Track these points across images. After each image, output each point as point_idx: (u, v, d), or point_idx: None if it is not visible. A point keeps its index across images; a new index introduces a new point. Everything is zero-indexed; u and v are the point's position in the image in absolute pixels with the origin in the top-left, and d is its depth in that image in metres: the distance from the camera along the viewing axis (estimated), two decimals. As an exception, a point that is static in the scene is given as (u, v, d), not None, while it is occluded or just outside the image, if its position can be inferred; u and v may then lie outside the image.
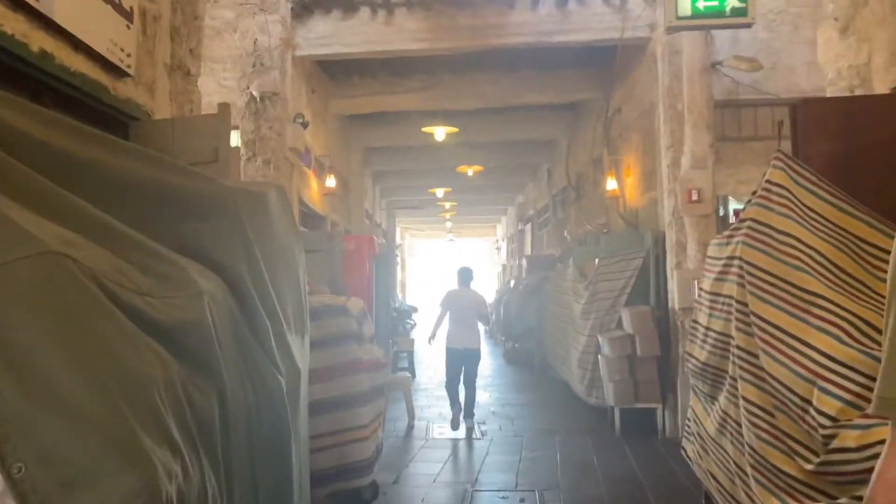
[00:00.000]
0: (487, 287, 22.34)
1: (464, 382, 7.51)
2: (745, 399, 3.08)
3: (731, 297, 3.30)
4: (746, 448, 3.07)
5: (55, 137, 1.69)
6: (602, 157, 9.20)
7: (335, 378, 4.09)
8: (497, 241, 29.74)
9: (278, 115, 6.63)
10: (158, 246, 1.64)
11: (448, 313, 7.68)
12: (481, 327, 8.18)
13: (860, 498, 1.76)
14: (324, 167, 9.42)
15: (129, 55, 3.30)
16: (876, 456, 1.24)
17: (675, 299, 6.50)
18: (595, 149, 9.58)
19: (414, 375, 10.63)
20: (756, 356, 3.01)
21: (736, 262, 3.27)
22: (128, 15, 3.26)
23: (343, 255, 7.93)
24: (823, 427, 2.48)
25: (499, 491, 5.16)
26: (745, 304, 3.12)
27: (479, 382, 7.87)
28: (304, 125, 7.30)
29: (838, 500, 2.36)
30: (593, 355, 7.31)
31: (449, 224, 26.76)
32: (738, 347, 3.16)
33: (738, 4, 4.77)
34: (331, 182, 9.47)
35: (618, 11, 6.84)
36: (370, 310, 6.38)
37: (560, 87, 9.58)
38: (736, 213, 6.82)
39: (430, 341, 7.95)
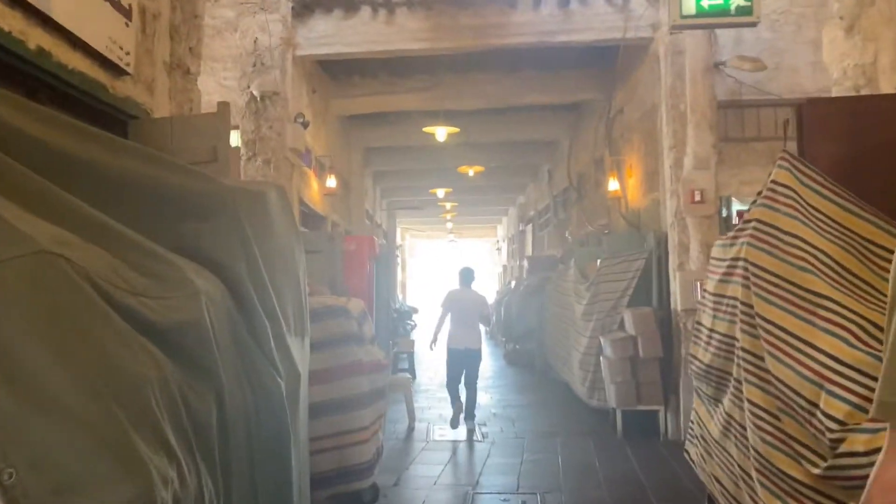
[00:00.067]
0: (488, 288, 22.28)
1: (465, 383, 7.48)
2: (749, 402, 3.04)
3: (735, 298, 3.26)
4: (751, 451, 3.03)
5: (52, 135, 1.66)
6: (604, 157, 9.18)
7: (335, 380, 4.06)
8: (498, 241, 29.71)
9: (279, 114, 6.60)
10: (155, 245, 1.61)
11: (449, 314, 7.65)
12: (482, 328, 8.15)
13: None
14: (324, 167, 9.39)
15: (127, 53, 3.27)
16: None
17: (677, 301, 6.47)
18: (597, 149, 9.55)
19: (414, 377, 10.59)
20: (761, 358, 2.97)
21: (741, 263, 3.23)
22: (126, 13, 3.23)
23: (343, 255, 7.90)
24: (831, 431, 2.45)
25: (500, 493, 5.12)
26: (751, 306, 3.08)
27: (480, 384, 7.84)
28: (305, 125, 7.27)
29: (845, 505, 2.32)
30: (595, 357, 7.27)
31: (450, 225, 26.73)
32: (743, 350, 3.12)
33: (743, 3, 4.73)
34: (331, 182, 9.44)
35: (620, 11, 6.81)
36: (370, 311, 6.35)
37: (562, 87, 9.55)
38: (739, 213, 6.78)
39: (431, 346, 7.90)
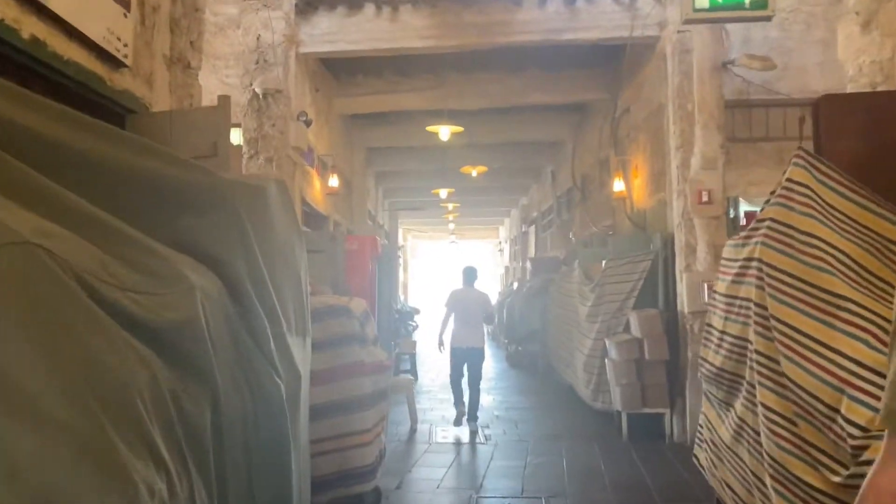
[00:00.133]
0: (490, 289, 22.21)
1: (468, 383, 7.48)
2: (764, 406, 2.95)
3: (748, 299, 3.16)
4: (766, 457, 2.94)
5: (40, 122, 1.57)
6: (609, 158, 9.08)
7: (337, 381, 3.97)
8: (500, 243, 29.64)
9: (281, 112, 6.51)
10: (148, 239, 1.52)
11: (453, 313, 7.65)
12: (485, 326, 8.14)
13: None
14: (327, 166, 9.31)
15: (125, 45, 3.18)
16: None
17: (684, 302, 6.37)
18: (602, 150, 9.46)
19: (416, 378, 10.50)
20: (776, 361, 2.88)
21: (754, 263, 3.13)
22: (125, 3, 3.14)
23: (345, 255, 7.82)
24: (853, 437, 2.36)
25: (504, 498, 5.03)
26: (765, 308, 2.99)
27: (482, 385, 7.78)
28: (308, 123, 7.18)
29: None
30: (599, 359, 7.18)
31: (452, 226, 26.66)
32: (757, 352, 3.03)
33: (758, -4, 4.61)
34: (334, 182, 9.35)
35: (627, 9, 6.72)
36: (372, 311, 6.26)
37: (566, 87, 9.46)
38: (748, 214, 6.69)
39: (440, 348, 7.87)
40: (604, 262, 7.53)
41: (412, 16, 6.84)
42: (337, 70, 9.38)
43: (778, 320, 2.82)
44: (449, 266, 28.32)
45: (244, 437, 1.65)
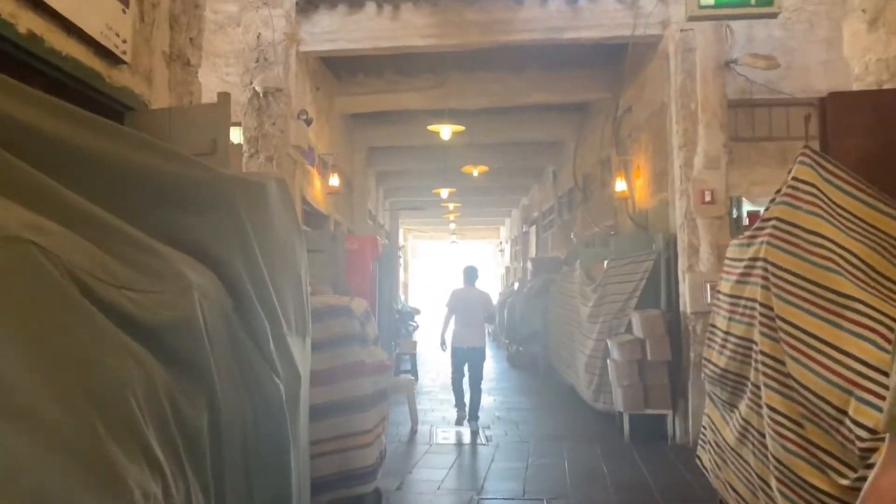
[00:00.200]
0: (491, 289, 22.15)
1: (469, 384, 7.49)
2: (769, 408, 2.91)
3: (754, 300, 3.13)
4: (771, 460, 2.90)
5: (36, 118, 1.53)
6: (611, 157, 9.05)
7: (337, 381, 3.93)
8: (500, 243, 29.60)
9: (282, 111, 6.48)
10: (144, 236, 1.48)
11: (454, 313, 7.66)
12: (486, 326, 8.16)
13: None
14: (327, 166, 9.27)
15: (124, 41, 3.15)
16: None
17: (686, 303, 6.34)
18: (603, 149, 9.42)
19: (417, 378, 10.47)
20: (782, 363, 2.84)
21: (759, 263, 3.10)
22: (124, -1, 3.11)
23: (346, 255, 7.79)
24: (861, 440, 2.32)
25: (506, 499, 4.99)
26: (770, 308, 2.95)
27: (483, 386, 7.77)
28: (308, 122, 7.15)
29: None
30: (601, 359, 7.14)
31: (452, 226, 26.62)
32: (763, 353, 2.99)
33: (764, -7, 4.56)
34: (334, 181, 9.32)
35: (629, 8, 6.69)
36: (373, 311, 6.22)
37: (568, 86, 9.43)
38: (750, 214, 6.65)
39: (442, 347, 7.89)
40: (606, 262, 7.50)
41: (413, 14, 6.81)
42: (338, 69, 9.34)
43: (784, 321, 2.79)
44: (449, 266, 28.28)
45: (242, 438, 1.61)
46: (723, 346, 3.45)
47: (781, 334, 2.83)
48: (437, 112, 10.32)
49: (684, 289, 6.39)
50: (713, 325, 3.68)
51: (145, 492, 1.04)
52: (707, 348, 3.71)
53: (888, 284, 2.66)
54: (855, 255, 2.73)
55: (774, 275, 2.94)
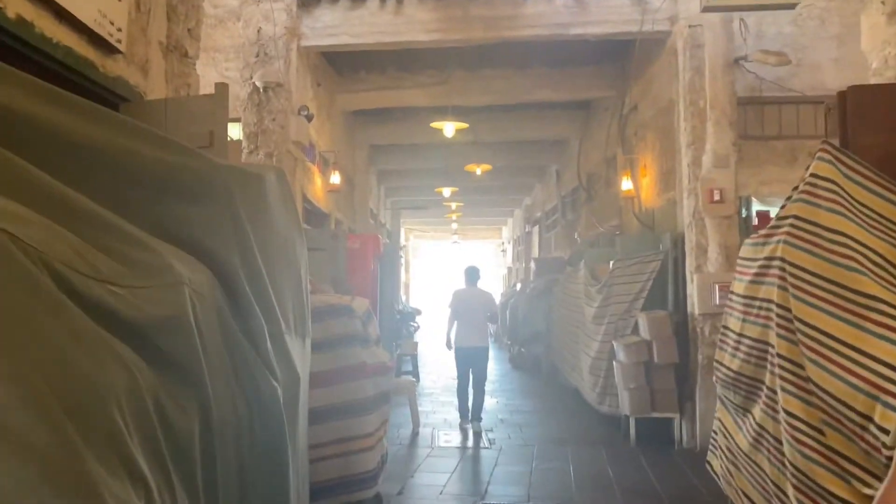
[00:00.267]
0: (492, 290, 22.04)
1: (472, 384, 7.47)
2: (787, 413, 2.80)
3: (770, 301, 3.01)
4: (788, 467, 2.79)
5: (14, 98, 1.42)
6: (616, 156, 8.94)
7: (338, 383, 3.82)
8: (503, 243, 29.50)
9: (282, 106, 6.37)
10: (132, 227, 1.37)
11: (457, 313, 7.64)
12: (489, 327, 8.11)
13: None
14: (328, 163, 9.16)
15: (119, 30, 3.04)
16: None
17: (694, 304, 6.22)
18: (609, 148, 9.31)
19: (418, 379, 10.35)
20: (801, 366, 2.73)
21: (776, 262, 2.98)
22: (119, -15, 3.00)
23: (347, 254, 7.68)
24: (887, 447, 2.21)
25: (510, 505, 4.89)
26: (788, 309, 2.83)
27: (486, 387, 7.69)
28: (309, 118, 7.03)
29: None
30: (606, 361, 7.03)
31: (455, 225, 26.52)
32: (780, 356, 2.87)
33: (782, -15, 4.42)
34: (335, 179, 9.20)
35: (637, 4, 6.57)
36: (374, 311, 6.11)
37: (573, 83, 9.33)
38: (759, 214, 6.54)
39: (448, 347, 7.85)
40: (611, 262, 7.38)
41: (417, 9, 6.70)
42: (339, 65, 9.24)
43: (802, 322, 2.68)
44: (451, 266, 28.18)
45: (237, 445, 1.50)
46: (736, 349, 3.34)
47: (800, 336, 2.73)
48: (440, 109, 10.22)
49: (692, 290, 6.27)
50: (725, 327, 3.57)
51: (124, 510, 0.92)
52: (719, 351, 3.60)
53: (914, 285, 2.55)
54: (878, 254, 2.62)
55: (792, 274, 2.83)
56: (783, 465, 2.80)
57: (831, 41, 6.55)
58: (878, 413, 2.25)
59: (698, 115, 6.27)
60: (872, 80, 3.74)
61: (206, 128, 3.04)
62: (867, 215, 2.78)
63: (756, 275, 3.16)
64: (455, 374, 7.79)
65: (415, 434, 7.08)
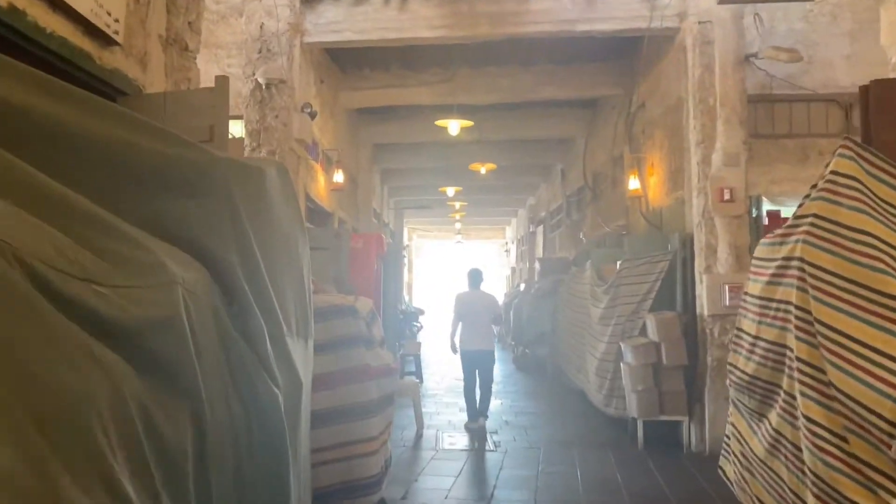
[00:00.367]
0: (496, 291, 21.95)
1: (479, 385, 7.47)
2: (807, 419, 2.69)
3: (788, 302, 2.90)
4: (808, 475, 2.69)
5: (3, 85, 1.32)
6: (623, 155, 8.82)
7: (342, 385, 3.72)
8: (506, 243, 29.40)
9: (285, 103, 6.28)
10: (121, 221, 1.27)
11: (461, 317, 7.60)
12: (494, 327, 8.08)
13: None
14: (331, 161, 9.05)
15: (116, 21, 2.94)
16: None
17: (703, 305, 6.11)
18: (615, 147, 9.20)
19: (421, 380, 10.25)
20: (822, 370, 2.63)
21: (795, 263, 2.88)
22: (116, -26, 2.90)
23: (350, 253, 7.58)
24: (918, 457, 2.10)
25: (516, 509, 4.78)
26: (808, 311, 2.73)
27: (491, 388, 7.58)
28: (312, 115, 6.94)
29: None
30: (613, 363, 6.92)
31: (458, 225, 26.43)
32: (799, 360, 2.77)
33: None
34: (339, 177, 9.10)
35: (645, 0, 6.46)
36: (378, 311, 6.00)
37: (579, 81, 9.22)
38: (770, 214, 6.43)
39: (453, 351, 7.81)
40: (618, 262, 7.27)
41: (421, 5, 6.59)
42: (343, 62, 9.14)
43: (824, 325, 2.57)
44: (454, 266, 28.08)
45: (234, 457, 1.40)
46: (751, 352, 3.24)
47: (821, 339, 2.62)
48: (444, 108, 10.11)
49: (701, 290, 6.16)
50: (739, 329, 3.46)
51: (103, 538, 0.82)
52: (733, 353, 3.50)
53: (943, 286, 2.44)
54: (904, 254, 2.52)
55: (812, 275, 2.72)
56: (802, 472, 2.70)
57: (843, 38, 6.43)
58: (907, 420, 2.15)
59: (708, 112, 6.16)
60: (893, 75, 3.63)
61: (207, 122, 2.94)
62: (891, 213, 2.68)
63: (773, 275, 3.05)
64: (460, 375, 7.70)
65: (419, 436, 6.98)
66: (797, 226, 2.94)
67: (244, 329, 1.57)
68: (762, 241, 3.41)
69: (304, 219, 2.85)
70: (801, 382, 2.67)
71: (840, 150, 2.89)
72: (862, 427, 2.35)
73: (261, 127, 6.19)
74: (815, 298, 2.63)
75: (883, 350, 2.34)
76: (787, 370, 2.84)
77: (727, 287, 5.92)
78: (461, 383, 7.66)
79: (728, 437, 3.65)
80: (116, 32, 2.95)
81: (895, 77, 3.47)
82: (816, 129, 6.51)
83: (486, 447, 6.60)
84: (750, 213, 6.16)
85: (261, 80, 6.17)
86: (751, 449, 3.29)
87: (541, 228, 17.67)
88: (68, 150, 1.33)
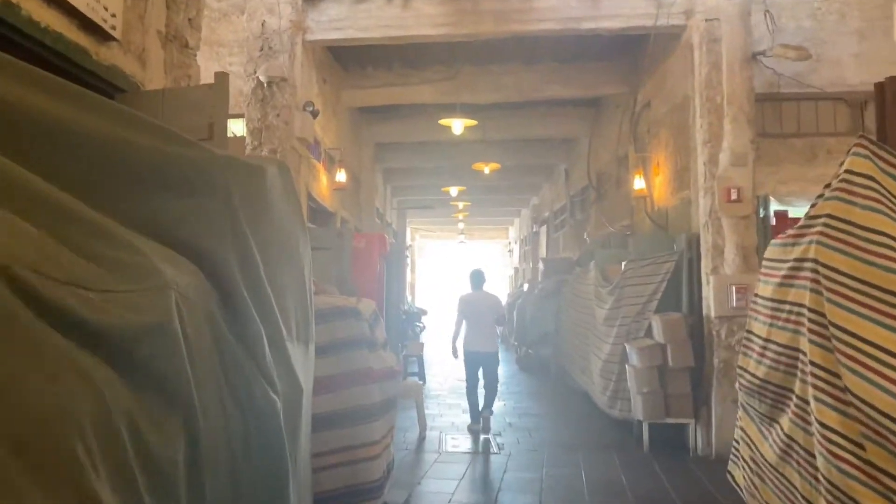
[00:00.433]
0: (499, 291, 21.89)
1: (484, 387, 7.42)
2: (821, 424, 2.62)
3: (801, 304, 2.84)
4: (822, 482, 2.62)
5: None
6: (628, 154, 8.75)
7: (344, 388, 3.65)
8: (509, 243, 29.33)
9: (286, 102, 6.21)
10: (111, 222, 1.20)
11: (464, 319, 7.54)
12: (498, 328, 8.03)
13: None
14: (334, 161, 8.99)
15: (113, 16, 2.88)
16: None
17: (710, 307, 6.03)
18: (620, 146, 9.12)
19: (424, 381, 10.18)
20: (837, 375, 2.56)
21: (808, 264, 2.81)
22: (113, -31, 2.84)
23: (352, 253, 7.52)
24: (939, 466, 2.03)
25: (521, 513, 4.71)
26: (822, 314, 2.66)
27: (494, 389, 7.53)
28: (314, 114, 6.87)
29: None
30: (618, 364, 6.84)
31: (461, 225, 26.37)
32: (813, 364, 2.71)
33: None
34: (341, 176, 9.04)
35: (652, -3, 6.39)
36: (380, 312, 5.94)
37: (583, 80, 9.15)
38: (777, 214, 6.34)
39: (455, 355, 7.77)
40: (623, 263, 7.20)
41: (425, 2, 6.52)
42: (345, 61, 9.08)
43: (838, 328, 2.51)
44: (457, 266, 28.03)
45: (230, 470, 1.33)
46: (762, 355, 3.17)
47: (835, 343, 2.56)
48: (447, 107, 10.05)
49: (708, 291, 6.08)
50: (749, 332, 3.39)
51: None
52: (743, 356, 3.43)
53: (962, 287, 2.37)
54: (923, 256, 2.45)
55: (827, 277, 2.66)
56: (816, 479, 2.63)
57: (852, 36, 6.35)
58: (928, 428, 2.08)
59: (715, 111, 6.08)
60: (906, 73, 3.55)
61: (206, 119, 2.88)
62: (909, 213, 2.61)
63: (785, 277, 2.99)
64: (463, 376, 7.63)
65: (421, 438, 6.90)
66: (810, 226, 2.87)
67: (242, 334, 1.50)
68: (773, 241, 3.34)
69: (305, 218, 2.78)
70: (815, 387, 2.60)
71: (855, 149, 2.82)
72: (879, 433, 2.28)
73: (262, 125, 6.13)
74: (830, 301, 2.56)
75: (899, 354, 2.28)
76: (799, 374, 2.78)
77: (734, 288, 5.85)
78: (464, 384, 7.59)
79: (737, 441, 3.58)
80: (114, 28, 2.88)
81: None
82: (825, 128, 6.43)
83: (490, 450, 6.53)
84: (757, 213, 6.08)
85: (262, 79, 6.11)
86: (761, 454, 3.22)
87: (544, 228, 17.60)
88: (63, 148, 1.27)
